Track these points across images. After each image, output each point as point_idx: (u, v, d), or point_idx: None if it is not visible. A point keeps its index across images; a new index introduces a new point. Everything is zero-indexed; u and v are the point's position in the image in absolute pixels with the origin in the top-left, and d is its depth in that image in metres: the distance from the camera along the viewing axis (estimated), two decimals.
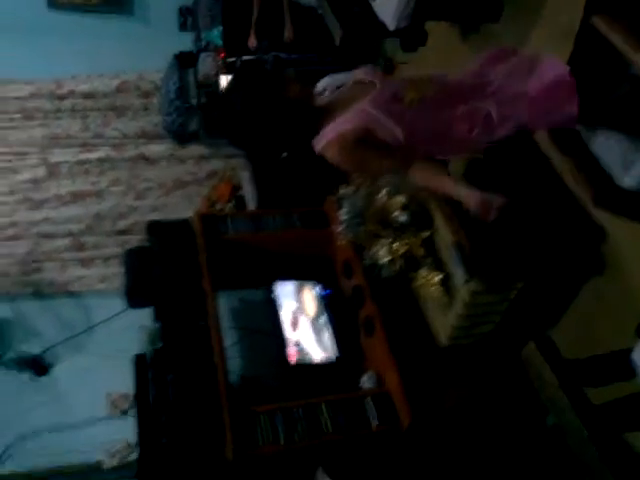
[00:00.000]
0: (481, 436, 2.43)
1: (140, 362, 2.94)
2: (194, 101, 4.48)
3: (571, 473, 1.65)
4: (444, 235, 2.51)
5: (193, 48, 4.88)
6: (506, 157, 2.30)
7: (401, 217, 2.63)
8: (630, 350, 1.59)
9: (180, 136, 4.46)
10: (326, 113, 1.84)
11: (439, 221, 2.55)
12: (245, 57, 4.34)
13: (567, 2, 2.56)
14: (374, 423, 2.70)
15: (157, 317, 3.26)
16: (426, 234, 2.57)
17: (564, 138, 2.02)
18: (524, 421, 2.20)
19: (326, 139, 1.82)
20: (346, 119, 1.80)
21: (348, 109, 1.81)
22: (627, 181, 1.98)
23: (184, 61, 4.68)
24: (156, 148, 4.28)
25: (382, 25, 3.04)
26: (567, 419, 1.44)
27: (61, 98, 4.45)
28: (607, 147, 2.01)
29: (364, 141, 1.85)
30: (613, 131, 1.98)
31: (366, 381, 2.91)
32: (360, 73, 1.93)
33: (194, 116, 4.48)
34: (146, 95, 4.47)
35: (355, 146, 1.84)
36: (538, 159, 2.09)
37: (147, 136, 4.36)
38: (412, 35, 3.13)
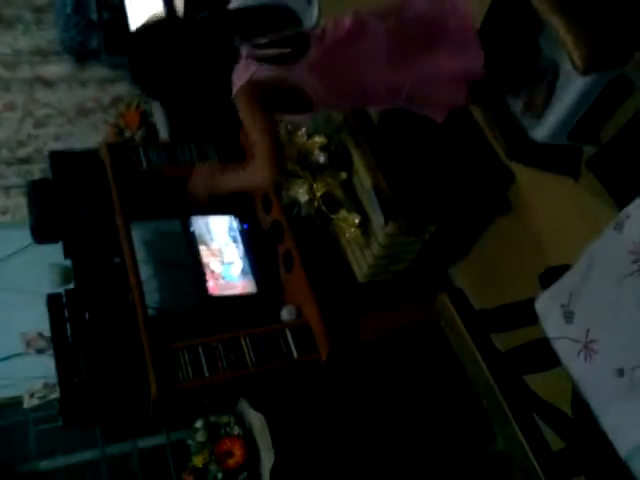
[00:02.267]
0: (394, 369, 2.63)
1: (54, 302, 2.87)
2: (94, 16, 4.14)
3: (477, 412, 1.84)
4: (363, 178, 2.57)
5: None
6: None
7: (320, 158, 2.64)
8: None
9: (80, 54, 4.14)
10: None
11: (358, 163, 2.59)
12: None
13: None
14: (294, 354, 2.83)
15: (67, 253, 3.16)
16: (344, 176, 2.61)
17: (483, 93, 2.09)
18: (436, 359, 2.39)
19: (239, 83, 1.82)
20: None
21: None
22: (536, 134, 2.10)
23: None
24: (54, 69, 3.97)
25: None
26: (474, 365, 1.60)
27: None
28: (518, 102, 2.11)
29: (275, 93, 1.86)
30: (525, 87, 2.08)
31: (286, 314, 3.00)
32: None
33: (94, 33, 4.15)
34: (38, 9, 4.07)
35: (263, 96, 1.84)
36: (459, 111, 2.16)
37: (43, 54, 4.02)
38: None
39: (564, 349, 1.64)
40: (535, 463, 1.42)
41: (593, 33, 1.76)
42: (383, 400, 2.58)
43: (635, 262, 1.47)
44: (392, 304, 2.82)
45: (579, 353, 1.60)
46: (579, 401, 1.62)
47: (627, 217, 1.49)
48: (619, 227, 1.51)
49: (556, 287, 1.69)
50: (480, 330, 1.68)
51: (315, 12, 4.22)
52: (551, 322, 1.67)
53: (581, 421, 1.60)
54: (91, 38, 4.16)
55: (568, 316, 1.63)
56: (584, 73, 1.75)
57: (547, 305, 1.70)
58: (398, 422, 2.52)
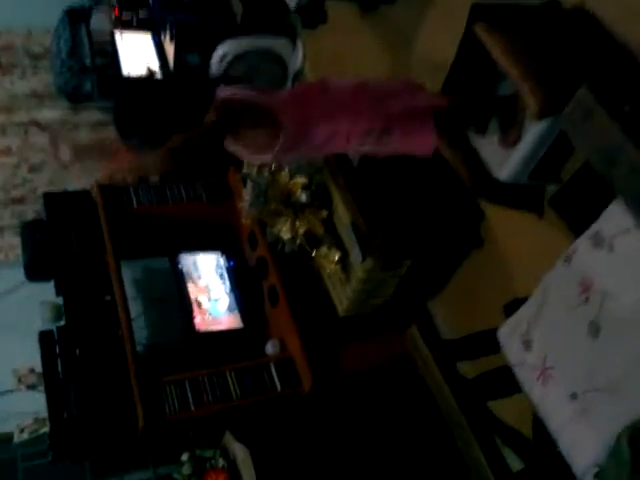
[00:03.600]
0: (375, 399, 2.71)
1: (46, 338, 2.95)
2: (87, 61, 4.32)
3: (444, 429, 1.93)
4: (342, 216, 2.70)
5: (85, 2, 4.65)
6: None
7: (302, 197, 2.77)
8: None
9: (74, 97, 4.31)
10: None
11: (337, 202, 2.73)
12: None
13: None
14: (278, 387, 2.92)
15: (59, 291, 3.26)
16: (325, 214, 2.74)
17: (453, 135, 2.23)
18: (411, 388, 2.47)
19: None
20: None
21: None
22: (500, 174, 2.25)
23: (75, 17, 4.47)
24: (49, 113, 4.12)
25: (283, 3, 3.10)
26: (441, 392, 1.69)
27: None
28: (484, 146, 2.26)
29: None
30: (487, 132, 2.23)
31: (270, 348, 3.09)
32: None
33: (88, 77, 4.33)
34: (35, 57, 4.26)
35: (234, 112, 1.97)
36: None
37: (39, 97, 4.19)
38: (313, 13, 3.21)
39: (524, 375, 1.75)
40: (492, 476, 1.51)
41: (546, 81, 1.91)
42: (363, 430, 2.66)
43: (583, 293, 1.59)
44: (373, 336, 2.91)
45: (537, 379, 1.71)
46: (539, 424, 1.72)
47: (574, 251, 1.62)
48: (568, 260, 1.64)
49: (516, 317, 1.81)
50: (446, 358, 1.78)
51: (300, 57, 4.44)
52: (512, 350, 1.79)
53: (540, 443, 1.70)
54: (85, 82, 4.33)
55: (527, 344, 1.75)
56: (539, 118, 1.90)
57: (508, 334, 1.81)
58: (377, 451, 2.60)
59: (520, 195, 2.38)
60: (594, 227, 1.54)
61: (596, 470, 1.53)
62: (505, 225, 2.61)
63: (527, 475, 1.67)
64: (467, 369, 1.98)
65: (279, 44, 4.14)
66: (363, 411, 2.70)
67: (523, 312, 1.78)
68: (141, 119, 1.86)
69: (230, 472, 2.68)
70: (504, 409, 1.83)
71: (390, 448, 2.56)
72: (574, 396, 1.61)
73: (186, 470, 2.69)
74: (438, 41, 2.78)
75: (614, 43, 2.01)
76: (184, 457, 2.76)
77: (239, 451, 2.70)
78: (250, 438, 2.76)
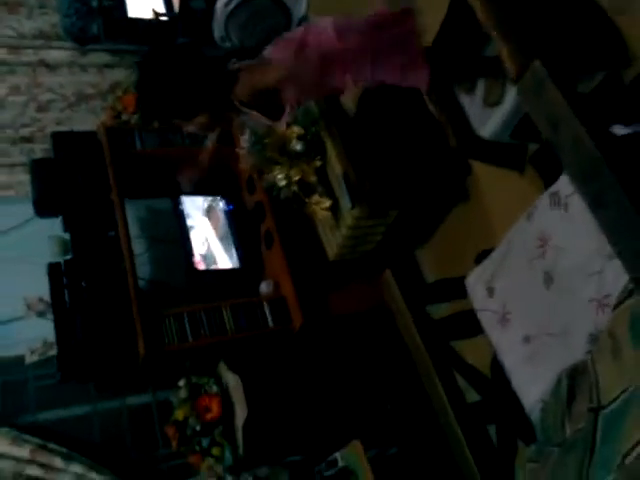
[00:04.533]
0: (357, 340, 2.94)
1: (54, 270, 3.15)
2: (94, 3, 4.36)
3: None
4: (334, 165, 2.84)
5: None
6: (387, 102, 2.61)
7: (297, 146, 2.90)
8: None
9: (80, 40, 4.37)
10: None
11: (331, 152, 2.86)
12: None
13: None
14: (270, 324, 3.13)
15: (66, 227, 3.44)
16: (318, 163, 2.87)
17: (441, 92, 2.35)
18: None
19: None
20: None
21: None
22: (483, 132, 2.37)
23: None
24: (56, 54, 4.20)
25: None
26: (409, 332, 1.88)
27: None
28: (469, 104, 2.37)
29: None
30: (473, 91, 2.34)
31: (265, 287, 3.29)
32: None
33: (95, 19, 4.38)
34: None
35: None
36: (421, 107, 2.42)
37: (46, 37, 4.25)
38: None
39: (486, 319, 1.93)
40: (450, 410, 1.71)
41: (525, 46, 2.01)
42: (342, 365, 2.90)
43: (540, 247, 1.75)
44: (360, 281, 3.10)
45: (497, 323, 1.89)
46: (497, 364, 1.91)
47: (535, 208, 1.77)
48: (529, 217, 1.79)
49: (481, 266, 1.98)
50: (416, 301, 1.96)
51: (304, 2, 4.48)
52: (477, 296, 1.96)
53: (497, 381, 1.89)
54: (91, 24, 4.39)
55: (490, 291, 1.92)
56: (515, 82, 2.01)
57: (474, 281, 1.99)
58: (351, 384, 2.85)
59: (502, 153, 2.51)
60: (553, 187, 1.68)
61: (542, 405, 1.73)
62: (489, 180, 2.75)
63: (482, 407, 1.87)
64: (443, 312, 2.17)
65: None
66: (344, 348, 2.93)
67: (488, 262, 1.95)
68: (163, 100, 1.99)
69: (222, 397, 2.92)
70: (466, 349, 2.02)
71: (362, 382, 2.81)
72: (527, 339, 1.79)
73: (182, 394, 2.93)
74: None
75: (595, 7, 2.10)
76: (181, 382, 2.99)
77: (231, 379, 2.93)
78: (242, 368, 2.99)
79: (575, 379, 1.56)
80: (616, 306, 1.48)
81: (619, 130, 1.42)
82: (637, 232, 1.12)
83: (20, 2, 4.38)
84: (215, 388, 2.91)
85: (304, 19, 4.39)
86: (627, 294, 1.39)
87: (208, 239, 3.54)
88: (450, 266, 2.95)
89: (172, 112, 2.07)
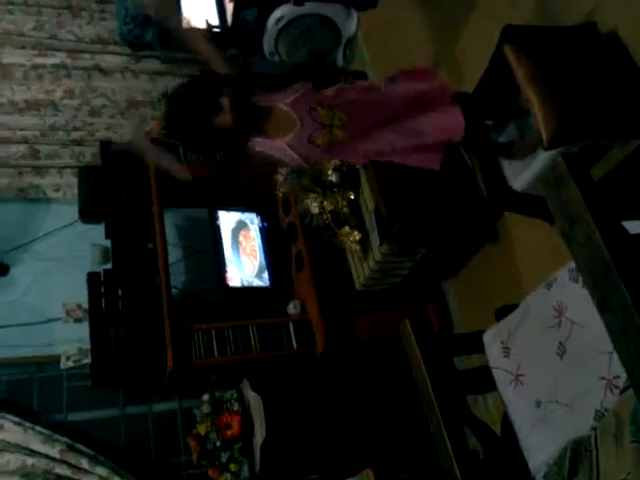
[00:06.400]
0: (379, 367, 3.01)
1: (93, 279, 3.30)
2: (151, 11, 4.50)
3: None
4: (367, 200, 2.90)
5: None
6: None
7: (333, 177, 2.97)
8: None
9: (135, 46, 4.52)
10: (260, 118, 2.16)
11: (365, 186, 2.92)
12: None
13: None
14: (294, 345, 3.21)
15: (108, 234, 3.59)
16: (352, 195, 2.94)
17: (476, 145, 2.39)
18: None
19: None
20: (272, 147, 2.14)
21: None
22: (515, 185, 2.40)
23: None
24: (111, 59, 4.36)
25: None
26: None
27: None
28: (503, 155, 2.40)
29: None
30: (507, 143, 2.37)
31: (292, 308, 3.37)
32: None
33: (150, 27, 4.52)
34: (103, 1, 4.47)
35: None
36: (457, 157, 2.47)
37: (103, 42, 4.41)
38: None
39: (499, 378, 1.97)
40: (455, 463, 1.77)
41: (560, 114, 2.03)
42: (362, 391, 2.98)
43: (557, 317, 1.78)
44: (385, 311, 3.16)
45: (510, 383, 1.93)
46: (507, 423, 1.96)
47: (555, 279, 1.80)
48: (548, 286, 1.82)
49: (500, 325, 2.02)
50: (432, 354, 2.01)
51: (354, 24, 4.55)
52: (493, 354, 2.00)
53: (506, 439, 1.94)
54: (146, 32, 4.53)
55: (505, 351, 1.96)
56: (546, 149, 2.04)
57: (492, 339, 2.03)
58: (369, 409, 2.93)
59: (533, 204, 2.53)
60: (572, 264, 1.71)
61: (545, 470, 1.77)
62: (520, 226, 2.77)
63: (487, 464, 1.92)
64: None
65: (334, 10, 4.25)
66: (363, 373, 3.01)
67: (506, 322, 1.99)
68: (188, 132, 2.08)
69: (243, 415, 3.02)
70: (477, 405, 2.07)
71: (377, 406, 2.90)
72: (538, 404, 1.83)
73: (205, 409, 3.05)
74: (478, 44, 2.87)
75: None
76: (205, 397, 3.11)
77: (253, 399, 3.03)
78: (264, 388, 3.09)
79: (579, 454, 1.60)
80: (623, 391, 1.51)
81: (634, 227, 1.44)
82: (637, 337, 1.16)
83: (83, 7, 4.56)
84: (237, 406, 3.02)
85: (353, 39, 4.46)
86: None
87: (241, 255, 3.64)
88: (476, 306, 3.00)
89: (195, 149, 2.13)
